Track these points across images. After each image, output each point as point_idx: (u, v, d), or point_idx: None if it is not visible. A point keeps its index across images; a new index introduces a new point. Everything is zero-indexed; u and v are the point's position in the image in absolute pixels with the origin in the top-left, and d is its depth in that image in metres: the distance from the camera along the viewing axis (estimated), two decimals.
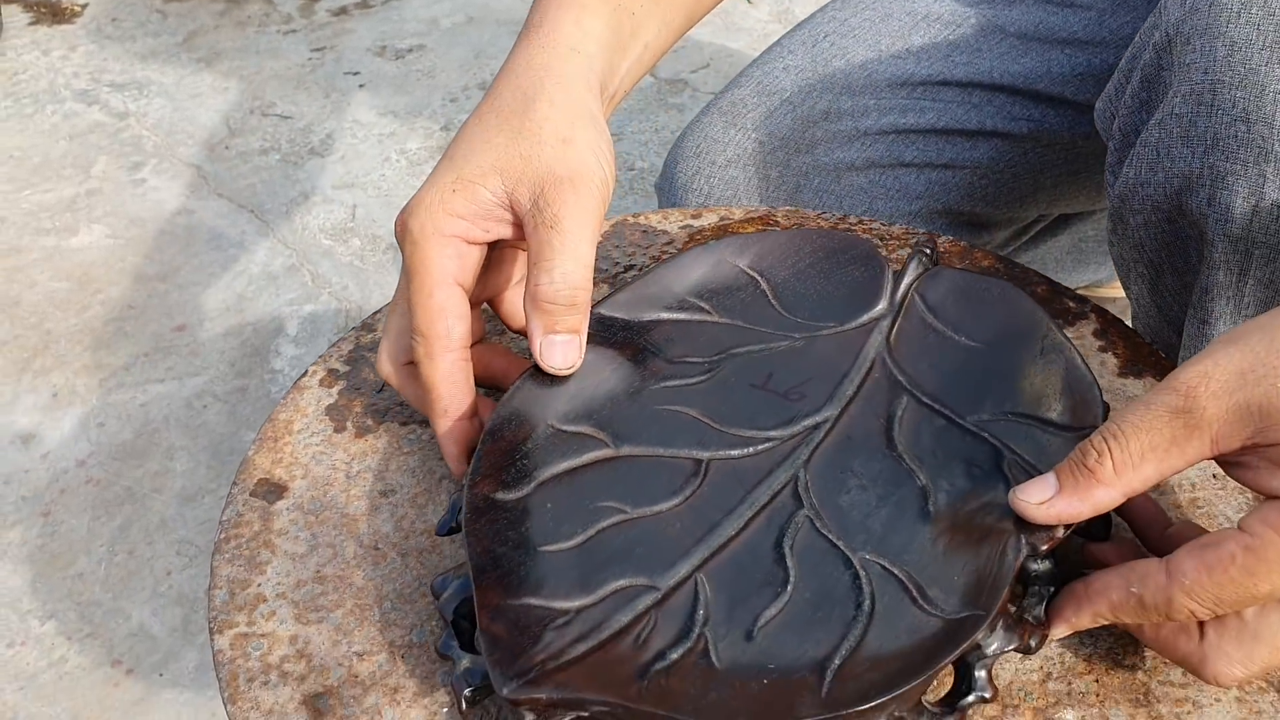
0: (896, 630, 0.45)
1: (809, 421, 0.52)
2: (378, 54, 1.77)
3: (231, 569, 0.54)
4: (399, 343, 0.56)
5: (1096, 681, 0.50)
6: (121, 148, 1.59)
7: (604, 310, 0.57)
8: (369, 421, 0.61)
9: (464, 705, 0.46)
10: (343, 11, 1.86)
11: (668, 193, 0.87)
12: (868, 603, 0.46)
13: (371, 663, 0.51)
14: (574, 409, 0.52)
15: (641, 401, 0.53)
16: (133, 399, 1.23)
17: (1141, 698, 0.49)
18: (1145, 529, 0.52)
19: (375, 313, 0.66)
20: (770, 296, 0.58)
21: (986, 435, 0.52)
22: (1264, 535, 0.42)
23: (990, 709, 0.48)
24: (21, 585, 1.06)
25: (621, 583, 0.46)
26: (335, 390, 0.62)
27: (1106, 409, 0.52)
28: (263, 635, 0.52)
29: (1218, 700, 0.49)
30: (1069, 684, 0.49)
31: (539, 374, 0.54)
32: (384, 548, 0.55)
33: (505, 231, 0.55)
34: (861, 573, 0.47)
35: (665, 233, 0.71)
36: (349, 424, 0.61)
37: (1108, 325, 0.64)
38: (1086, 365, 0.54)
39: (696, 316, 0.57)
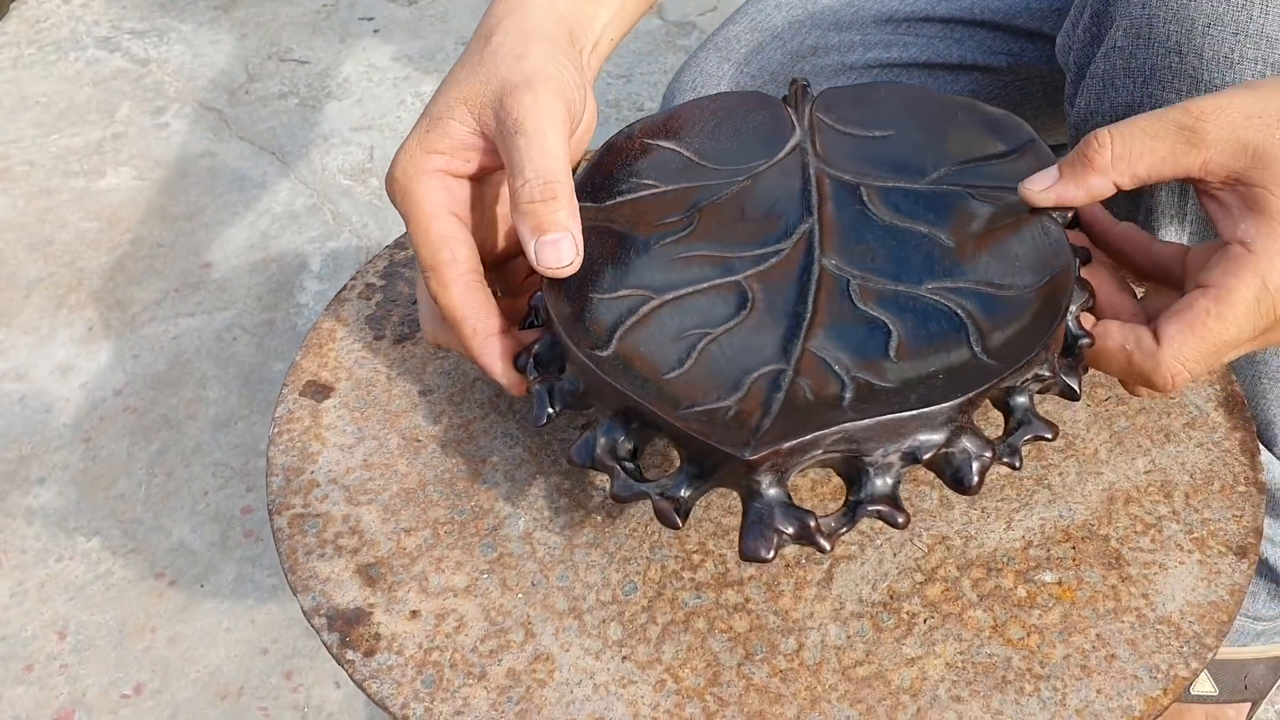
0: (1005, 316, 0.50)
1: (802, 228, 0.57)
2: None
3: (286, 458, 0.60)
4: (429, 309, 0.57)
5: (1073, 548, 0.55)
6: (144, 93, 1.63)
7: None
8: (405, 330, 0.66)
9: (680, 521, 0.48)
10: None
11: None
12: (961, 311, 0.50)
13: (418, 537, 0.56)
14: (603, 282, 0.54)
15: (654, 257, 0.56)
16: (165, 332, 1.28)
17: (1113, 560, 0.54)
18: (1129, 256, 0.56)
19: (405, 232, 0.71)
20: (696, 160, 0.62)
21: (947, 186, 0.57)
22: (1225, 283, 0.47)
23: (976, 571, 0.54)
24: (66, 505, 1.11)
25: (755, 374, 0.49)
26: (373, 301, 0.67)
27: (1031, 135, 0.59)
28: (317, 515, 0.57)
29: (1181, 564, 0.54)
30: (1048, 551, 0.55)
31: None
32: (424, 439, 0.60)
33: (485, 159, 0.55)
34: (938, 299, 0.51)
35: None
36: (387, 331, 0.66)
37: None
38: (994, 107, 0.61)
39: (647, 192, 0.60)
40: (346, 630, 0.53)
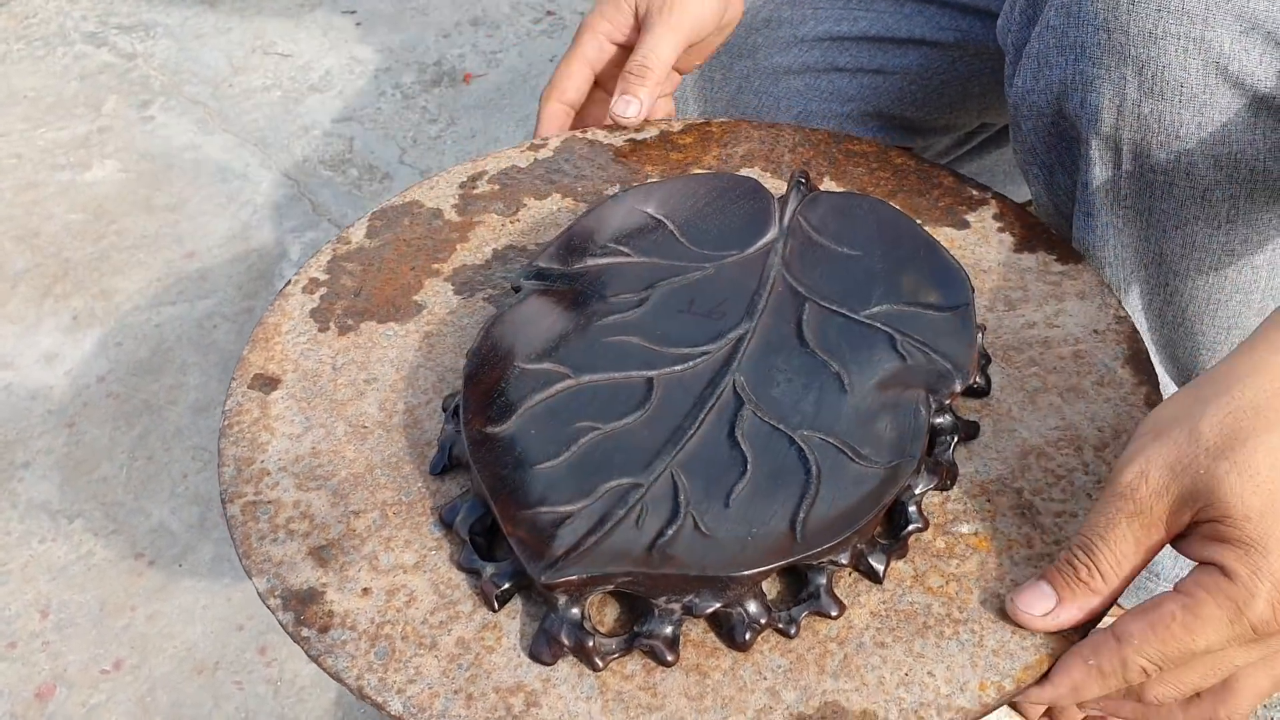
0: (844, 484, 0.55)
1: (733, 334, 0.62)
2: None
3: (236, 449, 0.63)
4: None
5: (988, 502, 0.59)
6: (130, 87, 1.66)
7: (541, 263, 0.66)
8: (349, 321, 0.69)
9: (496, 605, 0.55)
10: None
11: None
12: (814, 468, 0.55)
13: (366, 519, 0.60)
14: (534, 350, 0.61)
15: (590, 336, 0.62)
16: (148, 320, 1.32)
17: (1026, 511, 0.58)
18: None
19: (349, 226, 0.75)
20: (677, 234, 0.67)
21: (879, 325, 0.61)
22: (1197, 595, 0.48)
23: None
24: (50, 489, 1.15)
25: (610, 484, 0.55)
26: (317, 296, 0.71)
27: (971, 288, 0.62)
28: (269, 502, 0.61)
29: (1089, 510, 0.58)
30: (965, 505, 0.59)
31: (499, 322, 0.63)
32: (370, 426, 0.64)
33: (634, 35, 0.79)
34: (804, 446, 0.56)
35: (610, 145, 0.80)
36: (331, 324, 0.69)
37: (1006, 209, 0.73)
38: (951, 255, 0.63)
39: (619, 260, 0.66)
40: (301, 609, 0.56)
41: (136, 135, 1.58)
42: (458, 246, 0.73)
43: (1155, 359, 0.74)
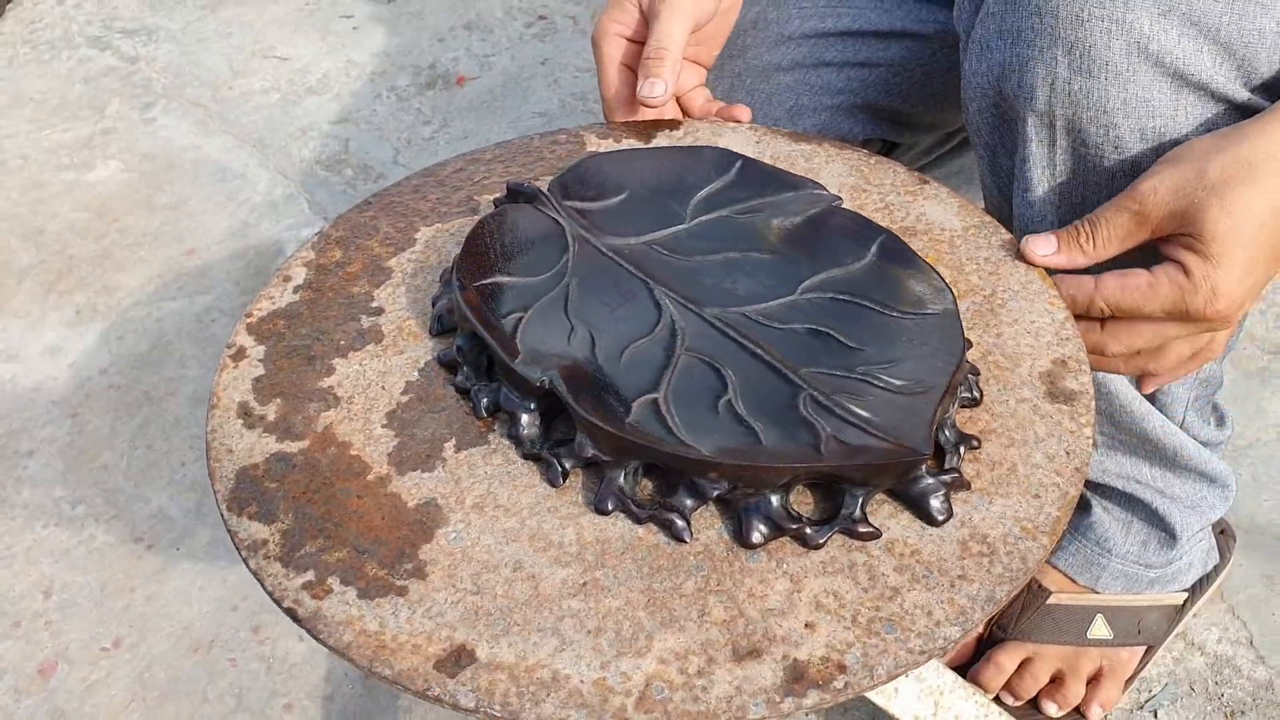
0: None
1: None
2: None
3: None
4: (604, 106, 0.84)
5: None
6: (133, 89, 1.71)
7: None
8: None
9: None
10: None
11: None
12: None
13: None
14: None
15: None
16: (148, 315, 1.36)
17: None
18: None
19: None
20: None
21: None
22: (1159, 278, 0.64)
23: None
24: (53, 476, 1.20)
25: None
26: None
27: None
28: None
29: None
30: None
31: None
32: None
33: (645, 30, 0.81)
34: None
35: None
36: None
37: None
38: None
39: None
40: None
41: (139, 136, 1.62)
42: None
43: None
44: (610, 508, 0.57)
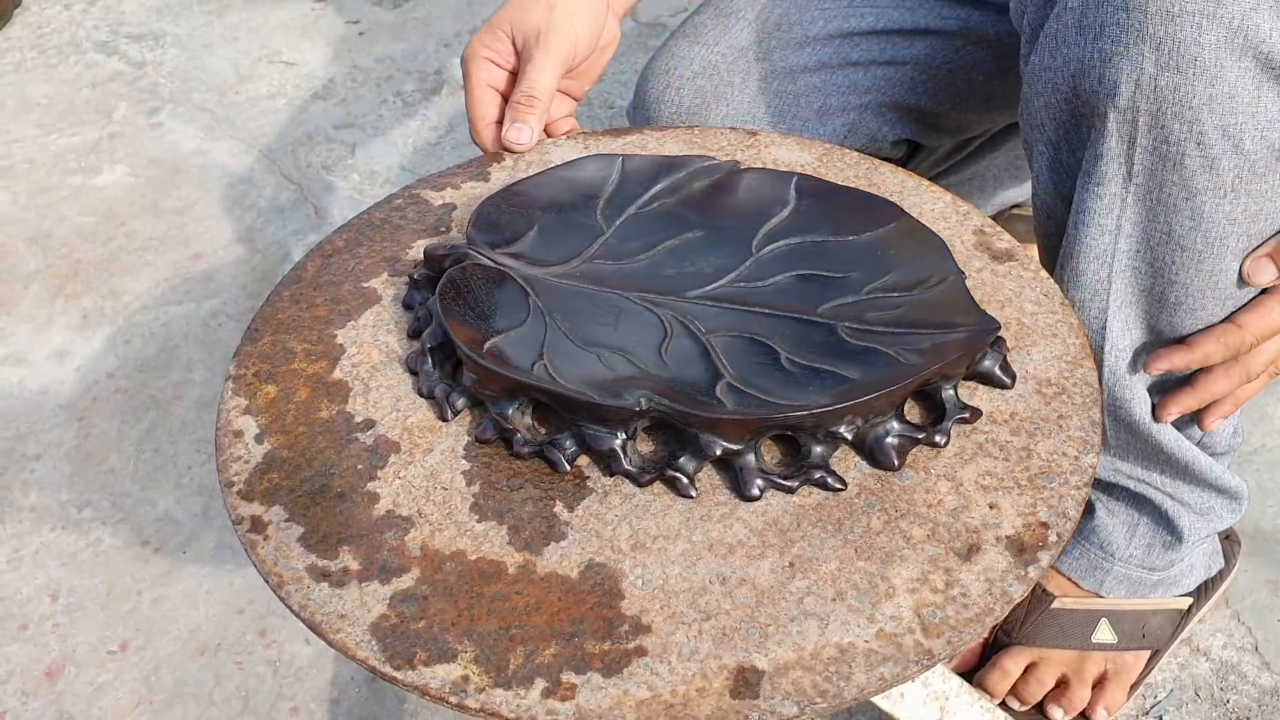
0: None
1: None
2: (376, 3, 1.88)
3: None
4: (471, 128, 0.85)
5: None
6: (140, 94, 1.71)
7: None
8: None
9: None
10: None
11: (640, 111, 0.97)
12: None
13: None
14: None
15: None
16: (155, 319, 1.36)
17: None
18: None
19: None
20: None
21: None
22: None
23: None
24: (61, 479, 1.20)
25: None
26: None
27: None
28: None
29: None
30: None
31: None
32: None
33: (515, 61, 0.83)
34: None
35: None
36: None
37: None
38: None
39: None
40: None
41: (145, 141, 1.63)
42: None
43: (1126, 324, 0.79)
44: (759, 491, 0.59)
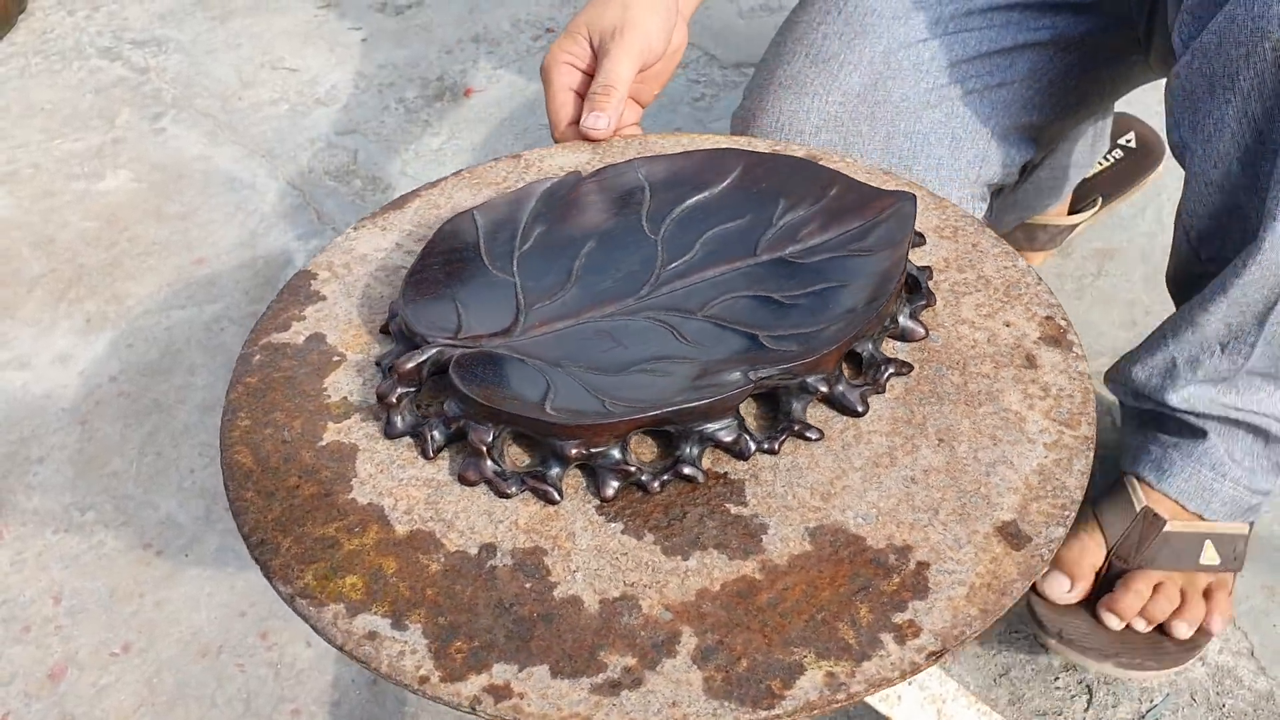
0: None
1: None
2: (379, 10, 1.89)
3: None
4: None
5: None
6: (143, 100, 1.72)
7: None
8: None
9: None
10: None
11: None
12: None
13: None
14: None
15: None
16: (158, 323, 1.37)
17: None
18: None
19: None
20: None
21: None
22: None
23: None
24: (63, 482, 1.21)
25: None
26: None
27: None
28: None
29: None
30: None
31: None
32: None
33: (595, 61, 0.86)
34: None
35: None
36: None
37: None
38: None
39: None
40: None
41: (149, 146, 1.63)
42: None
43: None
44: (862, 408, 0.66)
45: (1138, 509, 0.99)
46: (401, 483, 0.63)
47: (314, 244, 1.47)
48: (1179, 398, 0.95)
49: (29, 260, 1.46)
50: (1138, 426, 1.02)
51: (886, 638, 0.55)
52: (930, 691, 0.85)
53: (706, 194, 0.74)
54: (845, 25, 0.97)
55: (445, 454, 0.64)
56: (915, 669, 0.53)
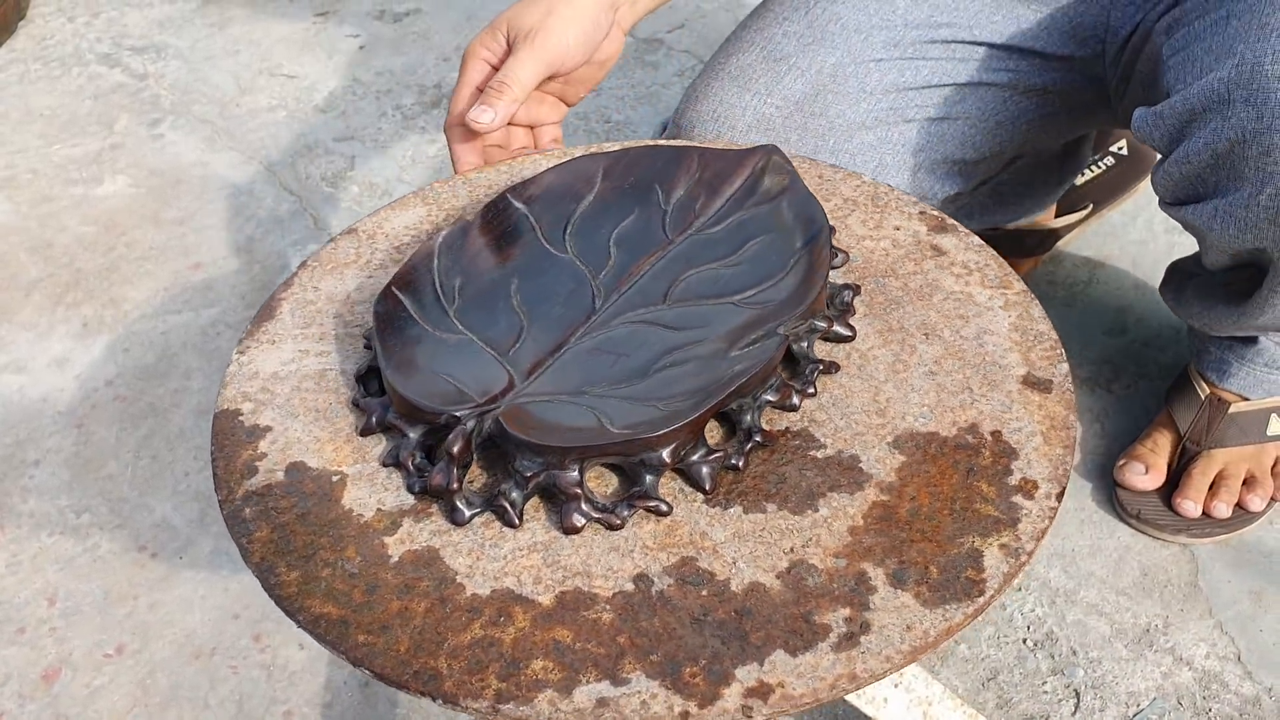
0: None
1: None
2: (377, 18, 1.91)
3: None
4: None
5: None
6: (141, 106, 1.73)
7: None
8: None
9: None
10: None
11: None
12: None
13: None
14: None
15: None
16: (154, 328, 1.38)
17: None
18: None
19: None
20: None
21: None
22: None
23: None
24: (59, 485, 1.21)
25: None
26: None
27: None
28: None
29: None
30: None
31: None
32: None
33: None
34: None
35: None
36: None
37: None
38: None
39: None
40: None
41: (147, 152, 1.64)
42: None
43: None
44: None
45: (1203, 397, 1.09)
46: (508, 559, 0.60)
47: (310, 249, 1.48)
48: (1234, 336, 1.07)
49: (27, 265, 1.47)
50: (1194, 329, 1.10)
51: (1018, 499, 0.60)
52: (917, 694, 0.86)
53: (585, 202, 0.75)
54: (807, 28, 0.97)
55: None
56: (1054, 512, 0.59)
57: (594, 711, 0.53)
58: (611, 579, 0.58)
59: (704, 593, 0.57)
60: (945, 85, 0.98)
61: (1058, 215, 1.35)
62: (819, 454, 0.63)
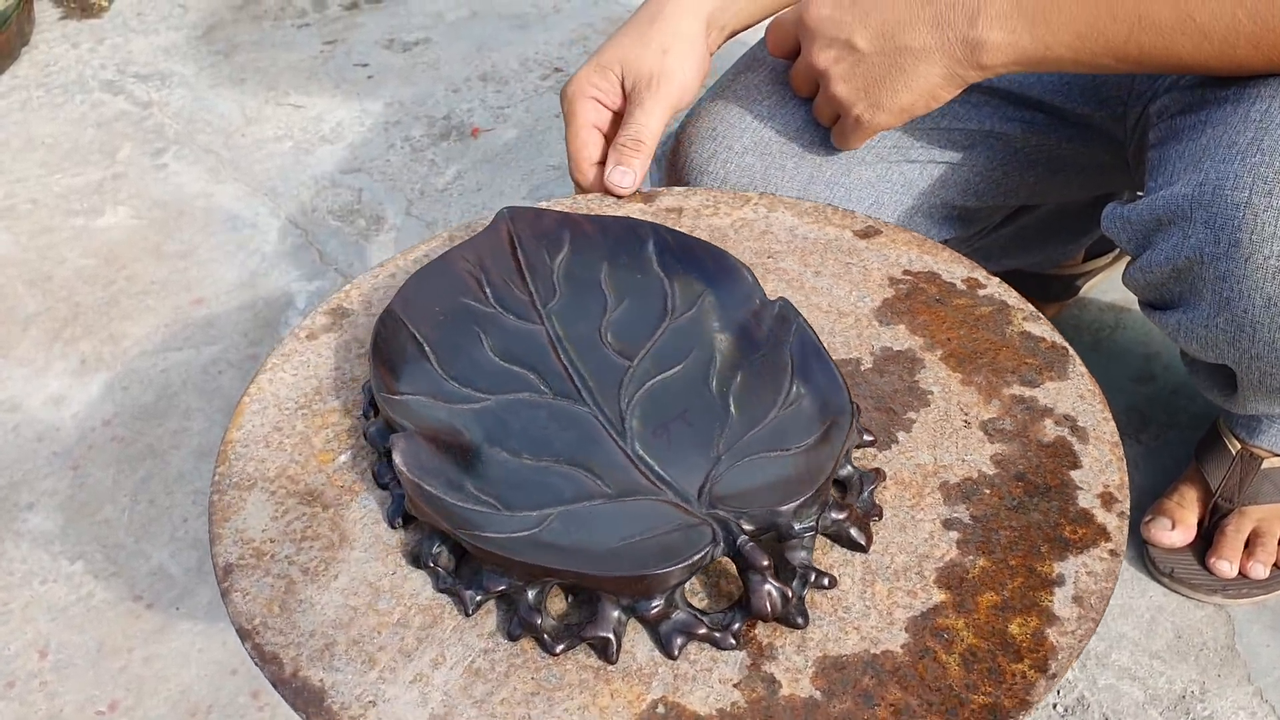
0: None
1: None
2: (385, 46, 1.87)
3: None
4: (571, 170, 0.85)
5: None
6: (145, 135, 1.70)
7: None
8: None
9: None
10: (354, 6, 1.97)
11: (678, 169, 0.92)
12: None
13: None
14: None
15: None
16: (154, 365, 1.34)
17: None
18: None
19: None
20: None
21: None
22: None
23: None
24: (53, 529, 1.17)
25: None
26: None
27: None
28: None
29: None
30: None
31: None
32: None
33: (623, 102, 0.84)
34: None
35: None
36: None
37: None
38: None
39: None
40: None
41: (149, 182, 1.61)
42: None
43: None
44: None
45: (1234, 453, 1.06)
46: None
47: (316, 285, 1.44)
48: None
49: (24, 298, 1.44)
50: None
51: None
52: None
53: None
54: None
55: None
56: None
57: None
58: (707, 701, 0.57)
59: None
60: (954, 129, 0.95)
61: (1085, 259, 1.32)
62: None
